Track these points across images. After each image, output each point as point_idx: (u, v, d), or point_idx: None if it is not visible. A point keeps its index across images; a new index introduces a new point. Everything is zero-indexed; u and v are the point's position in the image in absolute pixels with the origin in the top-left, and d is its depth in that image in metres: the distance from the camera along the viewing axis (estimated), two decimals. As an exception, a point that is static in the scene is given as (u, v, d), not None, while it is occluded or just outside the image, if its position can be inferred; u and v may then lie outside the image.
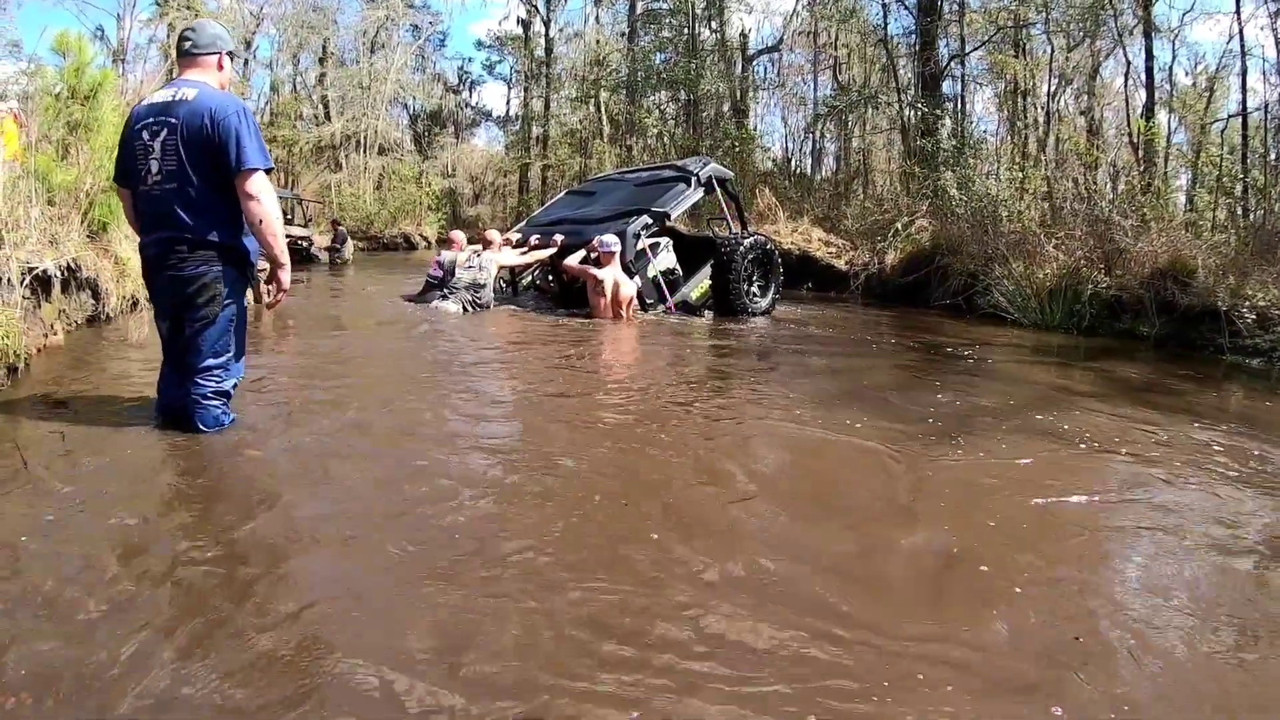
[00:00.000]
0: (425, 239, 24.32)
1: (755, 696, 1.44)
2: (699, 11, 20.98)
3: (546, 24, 29.45)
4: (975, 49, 16.27)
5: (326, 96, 29.79)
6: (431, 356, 5.02)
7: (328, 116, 29.40)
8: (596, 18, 28.50)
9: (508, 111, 34.50)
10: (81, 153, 5.89)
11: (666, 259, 7.59)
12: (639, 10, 24.97)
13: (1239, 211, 10.01)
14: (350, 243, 17.11)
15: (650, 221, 7.34)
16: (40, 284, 4.46)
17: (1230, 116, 13.03)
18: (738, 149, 17.11)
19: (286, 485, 2.43)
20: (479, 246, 7.65)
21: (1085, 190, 9.71)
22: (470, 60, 47.67)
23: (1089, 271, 7.50)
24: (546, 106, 28.96)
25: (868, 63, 20.06)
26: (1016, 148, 15.66)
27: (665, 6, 22.95)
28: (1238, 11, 11.54)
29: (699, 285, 7.73)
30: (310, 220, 18.64)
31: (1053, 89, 16.84)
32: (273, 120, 28.16)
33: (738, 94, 21.47)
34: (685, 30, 21.46)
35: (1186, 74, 19.19)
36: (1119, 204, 8.44)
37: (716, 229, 9.05)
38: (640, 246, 7.21)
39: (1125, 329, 6.96)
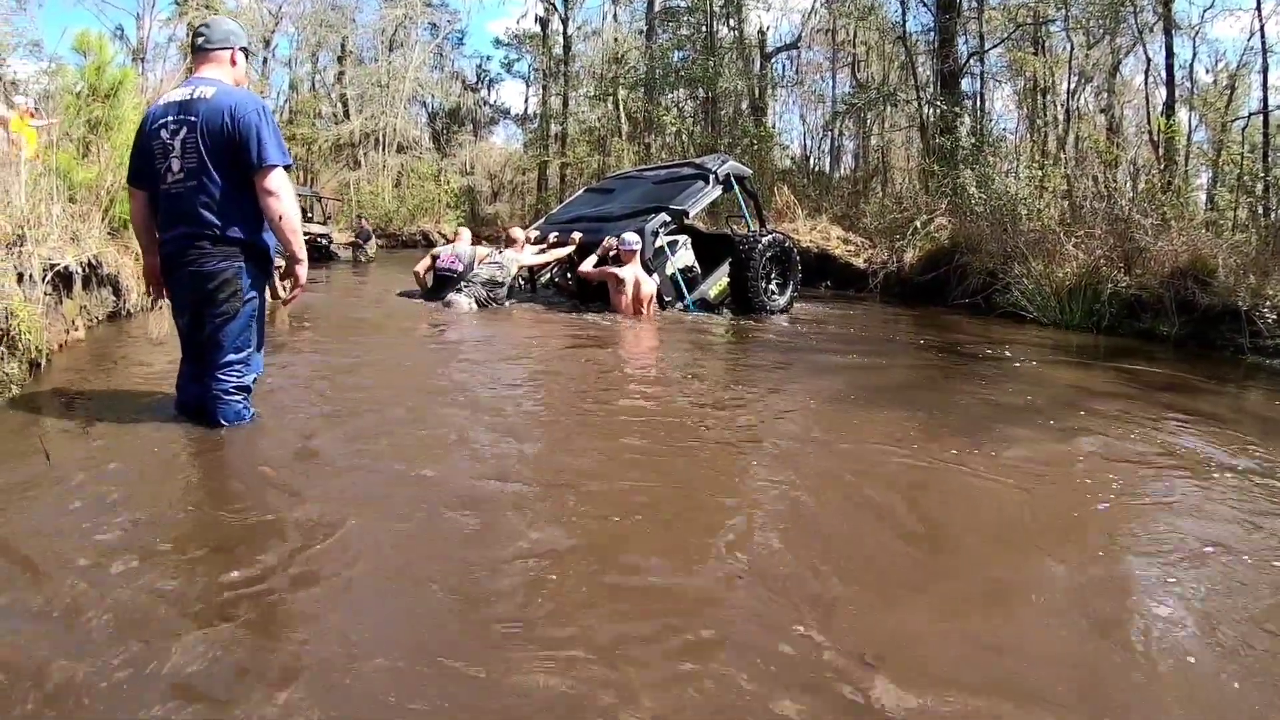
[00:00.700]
0: (444, 236, 24.30)
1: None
2: (717, 9, 21.01)
3: (565, 22, 29.52)
4: (994, 46, 16.22)
5: (345, 94, 30.08)
6: (454, 356, 4.99)
7: (346, 114, 29.70)
8: (614, 15, 28.63)
9: (526, 109, 34.76)
10: (102, 150, 5.96)
11: (685, 256, 7.65)
12: (657, 8, 24.98)
13: (1260, 210, 9.97)
14: (373, 240, 17.25)
15: (668, 219, 7.40)
16: (62, 280, 4.45)
17: (1252, 114, 13.00)
18: (756, 147, 17.16)
19: (308, 481, 2.42)
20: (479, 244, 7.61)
21: (1105, 189, 9.66)
22: (488, 58, 47.69)
23: (1109, 270, 7.48)
24: (565, 104, 29.00)
25: (886, 60, 20.04)
26: (1036, 146, 15.62)
27: (683, 4, 22.99)
28: (1259, 8, 11.49)
29: (717, 283, 7.77)
30: (329, 218, 18.81)
31: (1072, 86, 16.76)
32: (292, 118, 28.47)
33: (756, 91, 21.49)
34: (703, 28, 21.50)
35: (1207, 71, 19.04)
36: (1139, 202, 8.42)
37: (735, 227, 9.07)
38: (658, 244, 7.28)
39: (1145, 328, 6.91)
